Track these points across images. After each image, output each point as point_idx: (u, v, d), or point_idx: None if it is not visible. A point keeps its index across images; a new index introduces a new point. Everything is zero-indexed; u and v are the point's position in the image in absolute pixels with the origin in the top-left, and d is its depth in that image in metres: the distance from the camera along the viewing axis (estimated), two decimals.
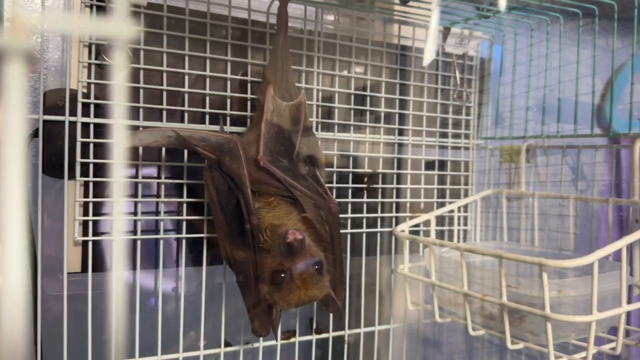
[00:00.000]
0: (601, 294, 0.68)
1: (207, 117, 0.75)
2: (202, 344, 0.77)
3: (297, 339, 0.84)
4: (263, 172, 0.67)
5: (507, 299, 0.69)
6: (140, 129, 0.70)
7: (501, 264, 0.67)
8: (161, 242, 0.74)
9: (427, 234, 0.92)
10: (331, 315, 0.86)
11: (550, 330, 0.64)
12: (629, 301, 0.72)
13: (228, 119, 0.77)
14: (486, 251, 0.70)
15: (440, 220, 0.98)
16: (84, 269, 0.70)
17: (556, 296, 0.68)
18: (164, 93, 0.73)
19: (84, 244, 0.70)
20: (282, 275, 0.67)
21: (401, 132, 0.93)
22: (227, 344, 0.79)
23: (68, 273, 0.69)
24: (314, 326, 0.86)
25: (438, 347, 1.04)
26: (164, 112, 0.73)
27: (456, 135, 0.99)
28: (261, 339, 0.81)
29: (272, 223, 0.69)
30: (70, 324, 0.70)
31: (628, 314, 0.80)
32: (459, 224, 0.98)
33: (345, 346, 0.88)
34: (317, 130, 0.84)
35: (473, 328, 0.78)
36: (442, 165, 0.98)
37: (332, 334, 0.87)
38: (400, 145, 0.93)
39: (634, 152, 0.78)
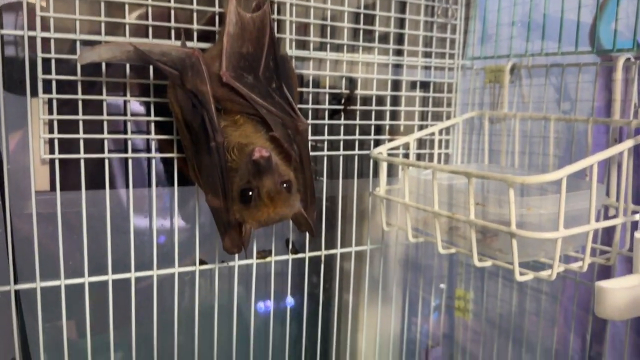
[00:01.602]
0: (573, 213, 0.68)
1: (173, 32, 0.73)
2: (176, 261, 0.78)
3: (273, 259, 0.85)
4: (226, 89, 0.66)
5: (477, 217, 0.68)
6: (103, 43, 0.68)
7: (470, 182, 0.67)
8: (130, 161, 0.73)
9: (407, 157, 0.91)
10: (307, 235, 0.86)
11: (515, 247, 0.64)
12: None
13: (195, 34, 0.74)
14: (455, 169, 0.69)
15: (421, 143, 0.97)
16: (53, 187, 0.70)
17: (525, 214, 0.67)
18: (126, 6, 0.70)
19: (51, 162, 0.70)
20: (250, 193, 0.66)
21: (382, 52, 0.90)
22: (202, 262, 0.80)
23: (36, 192, 0.69)
24: (290, 246, 0.87)
25: (419, 271, 1.05)
26: (127, 27, 0.70)
27: (440, 55, 0.95)
28: (236, 257, 0.82)
29: (239, 142, 0.68)
30: (42, 242, 0.71)
31: (605, 235, 0.80)
32: (440, 148, 0.97)
33: (322, 266, 0.89)
34: (291, 48, 0.81)
35: (445, 247, 0.78)
36: (425, 86, 0.96)
37: (308, 254, 0.88)
38: (381, 65, 0.90)
39: (617, 69, 0.75)
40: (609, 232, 0.79)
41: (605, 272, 0.85)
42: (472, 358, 1.06)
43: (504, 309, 1.00)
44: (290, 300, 0.95)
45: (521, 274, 0.67)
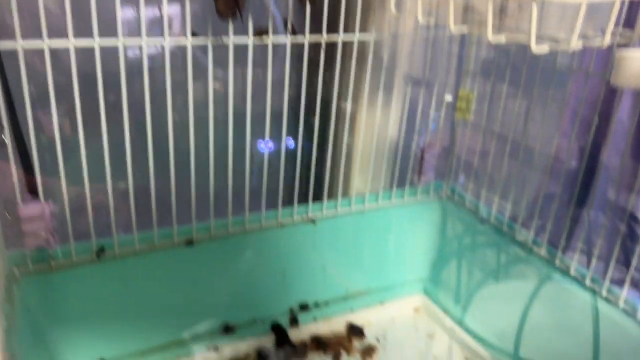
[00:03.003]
0: None
1: None
2: (166, 30, 0.72)
3: (270, 40, 0.79)
4: None
5: None
6: None
7: None
8: None
9: None
10: (307, 18, 0.80)
11: (535, 13, 0.59)
12: None
13: None
14: None
15: None
16: None
17: None
18: None
19: None
20: None
21: None
22: (194, 34, 0.74)
23: None
24: (289, 26, 0.81)
25: (423, 69, 1.00)
26: None
27: None
28: (231, 35, 0.76)
29: None
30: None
31: (627, 21, 0.74)
32: None
33: (322, 53, 0.84)
34: None
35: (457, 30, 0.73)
36: None
37: (308, 39, 0.82)
38: None
39: None
40: (631, 16, 0.73)
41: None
42: (467, 165, 1.06)
43: (506, 115, 0.97)
44: (291, 142, 0.93)
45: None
